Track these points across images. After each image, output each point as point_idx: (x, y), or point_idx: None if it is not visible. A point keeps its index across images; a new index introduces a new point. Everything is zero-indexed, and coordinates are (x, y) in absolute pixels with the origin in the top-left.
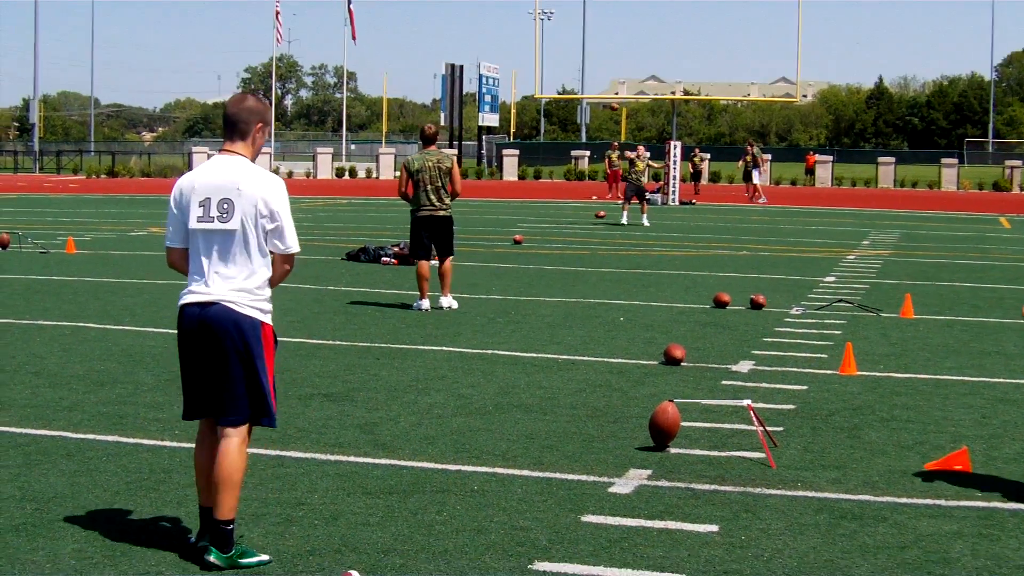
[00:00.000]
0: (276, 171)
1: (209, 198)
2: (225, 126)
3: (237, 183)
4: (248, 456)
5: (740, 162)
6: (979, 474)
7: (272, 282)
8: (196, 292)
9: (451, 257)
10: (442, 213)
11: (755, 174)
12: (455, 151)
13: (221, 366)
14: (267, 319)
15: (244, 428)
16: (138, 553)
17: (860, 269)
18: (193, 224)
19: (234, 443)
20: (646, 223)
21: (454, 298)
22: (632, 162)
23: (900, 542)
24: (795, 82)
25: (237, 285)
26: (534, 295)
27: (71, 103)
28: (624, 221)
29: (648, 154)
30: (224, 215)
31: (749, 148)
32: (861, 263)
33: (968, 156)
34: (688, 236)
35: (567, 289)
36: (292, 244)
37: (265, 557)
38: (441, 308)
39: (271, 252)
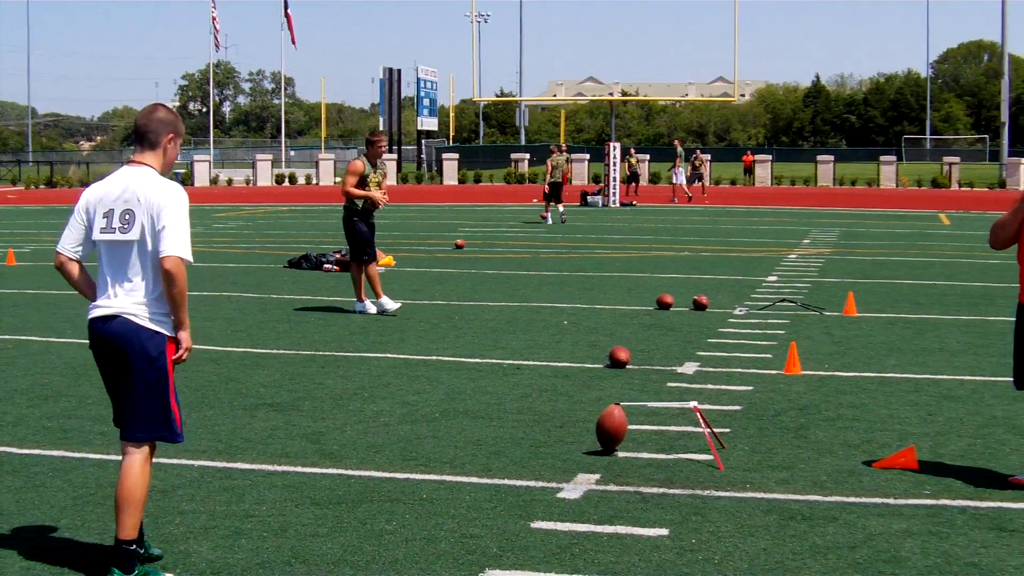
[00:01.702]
0: (216, 179)
1: (112, 209)
2: (135, 137)
3: (138, 194)
4: (151, 473)
5: (689, 164)
6: (926, 471)
7: (167, 295)
8: (100, 306)
9: (355, 262)
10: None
11: (675, 174)
12: (394, 155)
13: (123, 381)
14: (170, 331)
15: (147, 446)
16: (86, 569)
17: (802, 268)
18: (96, 235)
19: (136, 460)
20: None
21: (372, 303)
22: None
23: (850, 542)
24: (733, 81)
25: (139, 298)
26: (477, 300)
27: (8, 113)
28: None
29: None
30: (125, 226)
31: (697, 153)
32: (802, 262)
33: (906, 153)
34: (629, 238)
35: (510, 293)
36: (169, 247)
37: None
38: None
39: None
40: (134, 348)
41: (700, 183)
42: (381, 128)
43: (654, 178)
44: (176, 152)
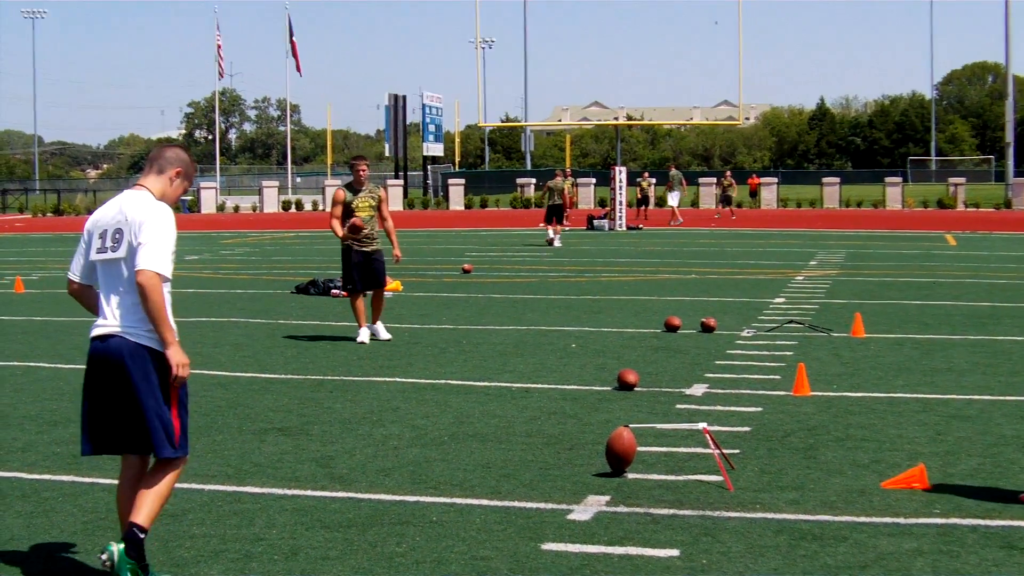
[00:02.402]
0: (222, 206)
1: (106, 230)
2: (146, 162)
3: (127, 214)
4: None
5: (716, 187)
6: (936, 491)
7: (145, 312)
8: (99, 325)
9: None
10: None
11: (671, 197)
12: (400, 181)
13: (129, 399)
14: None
15: (175, 460)
16: None
17: (809, 289)
18: (93, 256)
19: (169, 475)
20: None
21: (381, 329)
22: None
23: (861, 561)
24: (738, 105)
25: (134, 315)
26: (485, 324)
27: (15, 142)
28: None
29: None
30: (115, 245)
31: (727, 174)
32: (810, 283)
33: (912, 174)
34: (636, 261)
35: (518, 317)
36: (143, 261)
37: None
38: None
39: None
40: (134, 366)
41: (729, 206)
42: (387, 154)
43: (660, 201)
44: (180, 191)
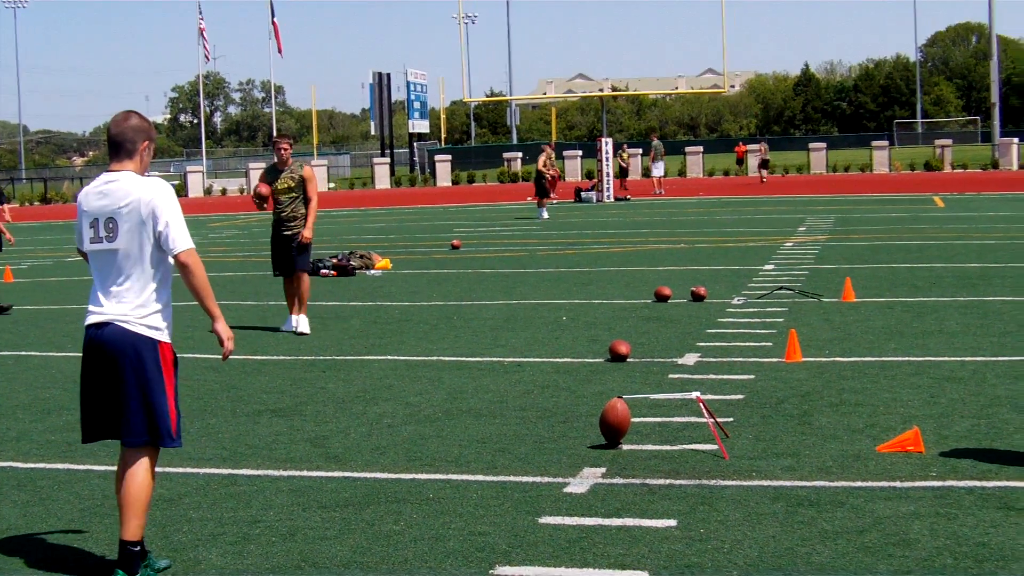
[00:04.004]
0: (209, 189)
1: (97, 219)
2: (111, 146)
3: (120, 200)
4: (155, 478)
5: (758, 154)
6: (932, 453)
7: (191, 289)
8: (93, 313)
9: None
10: None
11: (653, 167)
12: (386, 159)
13: (117, 386)
14: (162, 336)
15: (149, 449)
16: None
17: (798, 256)
18: (86, 246)
19: (142, 464)
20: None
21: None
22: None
23: (858, 526)
24: (722, 73)
25: (131, 303)
26: (476, 299)
27: None
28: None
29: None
30: (111, 234)
31: (763, 145)
32: (799, 250)
33: (898, 137)
34: (624, 232)
35: (508, 291)
36: (178, 243)
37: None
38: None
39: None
40: (127, 353)
41: (765, 169)
42: (373, 132)
43: (647, 171)
44: (150, 158)
